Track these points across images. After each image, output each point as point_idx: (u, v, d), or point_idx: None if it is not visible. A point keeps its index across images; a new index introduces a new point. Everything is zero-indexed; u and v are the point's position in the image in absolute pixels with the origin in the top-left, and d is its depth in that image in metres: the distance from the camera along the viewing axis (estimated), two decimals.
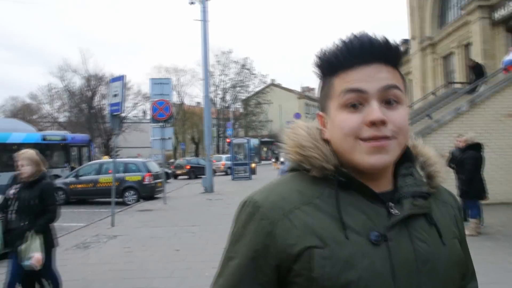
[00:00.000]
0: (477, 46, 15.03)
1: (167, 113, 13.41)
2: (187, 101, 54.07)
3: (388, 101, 0.79)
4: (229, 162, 25.39)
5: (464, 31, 16.78)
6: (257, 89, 53.24)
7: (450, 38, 18.03)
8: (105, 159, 16.45)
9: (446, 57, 18.91)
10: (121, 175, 14.31)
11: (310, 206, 0.80)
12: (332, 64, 0.82)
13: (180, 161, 30.88)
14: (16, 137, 16.66)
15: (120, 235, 8.19)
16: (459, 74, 17.08)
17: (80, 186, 14.58)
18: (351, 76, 0.79)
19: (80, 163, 18.52)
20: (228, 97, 51.72)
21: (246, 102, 52.39)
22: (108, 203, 12.99)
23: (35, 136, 17.45)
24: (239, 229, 0.84)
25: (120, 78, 9.66)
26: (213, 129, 52.25)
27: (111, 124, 9.56)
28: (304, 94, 63.46)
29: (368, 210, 0.80)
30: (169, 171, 26.66)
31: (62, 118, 46.44)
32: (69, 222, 10.26)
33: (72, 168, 17.29)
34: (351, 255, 0.75)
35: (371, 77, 0.79)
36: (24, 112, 46.65)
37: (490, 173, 10.34)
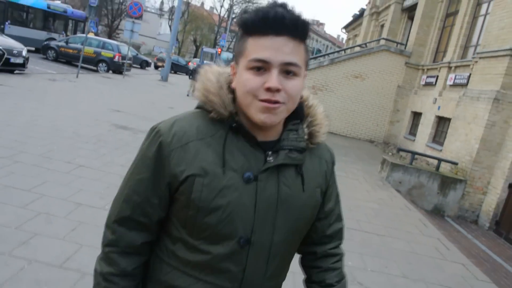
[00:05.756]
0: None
1: (139, 13, 18.13)
2: (195, 2, 57.08)
3: (287, 72, 0.92)
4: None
5: None
6: None
7: (386, 11, 22.03)
8: (91, 35, 21.22)
9: (383, 26, 23.03)
10: (99, 50, 19.33)
11: (203, 142, 0.96)
12: (249, 27, 0.94)
13: (163, 55, 34.96)
14: (26, 0, 20.97)
15: (77, 82, 13.52)
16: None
17: (68, 50, 19.36)
18: (261, 42, 0.91)
19: (75, 34, 23.10)
20: (237, 10, 54.59)
21: None
22: (87, 68, 18.39)
23: (42, 4, 21.80)
24: (144, 150, 1.00)
25: None
26: (211, 36, 56.38)
27: (87, 12, 14.34)
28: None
29: (249, 154, 0.97)
30: (150, 60, 31.54)
31: None
32: (53, 71, 15.58)
33: (67, 36, 21.97)
34: (225, 187, 0.94)
35: (277, 50, 0.90)
36: None
37: (330, 112, 15.60)
